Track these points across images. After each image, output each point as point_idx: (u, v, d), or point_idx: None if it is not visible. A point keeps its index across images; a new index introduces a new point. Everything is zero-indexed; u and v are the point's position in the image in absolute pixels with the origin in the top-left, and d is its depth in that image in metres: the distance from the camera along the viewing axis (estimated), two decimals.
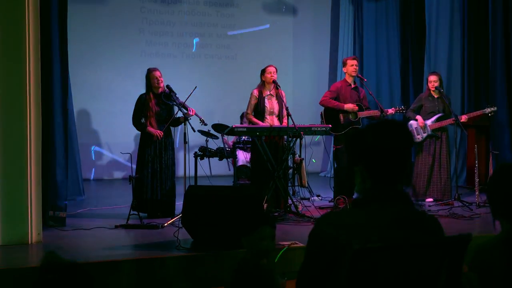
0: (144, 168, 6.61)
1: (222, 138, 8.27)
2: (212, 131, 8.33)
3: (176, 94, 6.69)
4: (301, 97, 10.75)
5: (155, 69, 6.79)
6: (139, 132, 6.81)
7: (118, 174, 10.65)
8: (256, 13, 11.28)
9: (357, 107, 7.35)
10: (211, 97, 10.62)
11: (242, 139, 8.29)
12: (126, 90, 9.68)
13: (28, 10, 5.48)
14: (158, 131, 6.56)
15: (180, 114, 6.75)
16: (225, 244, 5.19)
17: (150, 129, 6.57)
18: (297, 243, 5.35)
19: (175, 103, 6.63)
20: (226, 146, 8.29)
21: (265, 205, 5.38)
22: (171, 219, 6.33)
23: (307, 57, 11.47)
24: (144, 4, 10.63)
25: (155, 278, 4.90)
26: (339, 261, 1.83)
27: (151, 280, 4.89)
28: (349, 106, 7.33)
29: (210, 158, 8.23)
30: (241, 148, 8.28)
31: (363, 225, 1.88)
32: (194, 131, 6.52)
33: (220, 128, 8.12)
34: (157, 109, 6.62)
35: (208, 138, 8.31)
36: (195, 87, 6.55)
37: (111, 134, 10.42)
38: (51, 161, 6.04)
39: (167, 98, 6.64)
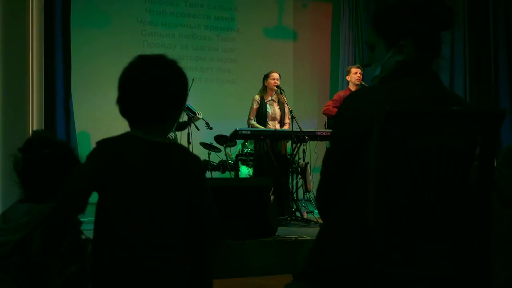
0: None
1: (225, 150, 8.19)
2: (214, 143, 8.24)
3: None
4: (300, 119, 10.71)
5: None
6: None
7: None
8: (257, 37, 11.34)
9: None
10: (212, 121, 10.55)
11: (245, 151, 8.19)
12: None
13: (32, 36, 5.54)
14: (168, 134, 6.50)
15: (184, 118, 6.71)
16: (231, 235, 5.06)
17: None
18: (303, 237, 5.25)
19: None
20: (229, 159, 8.18)
21: (271, 197, 5.27)
22: None
23: (308, 80, 11.50)
24: (145, 27, 10.68)
25: None
26: (368, 136, 1.74)
27: None
28: None
29: (213, 172, 8.12)
30: (244, 161, 8.17)
31: (393, 98, 1.80)
32: (198, 129, 6.45)
33: (223, 139, 8.04)
34: None
35: (210, 151, 8.22)
36: (192, 79, 6.52)
37: None
38: None
39: None
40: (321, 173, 1.89)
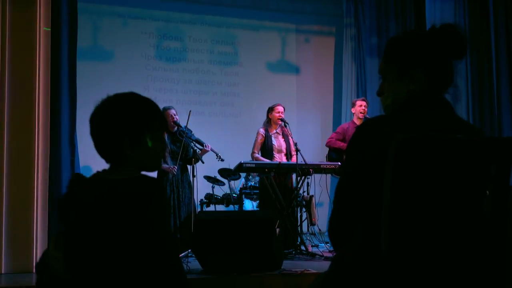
0: None
1: (229, 184, 8.17)
2: (219, 177, 8.23)
3: (191, 131, 6.69)
4: (304, 152, 10.72)
5: (169, 108, 6.81)
6: None
7: None
8: (260, 72, 11.41)
9: None
10: (215, 155, 10.55)
11: (249, 185, 8.18)
12: None
13: (38, 71, 5.59)
14: (172, 166, 6.51)
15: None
16: (237, 269, 5.03)
17: (164, 166, 6.51)
18: (309, 270, 5.20)
19: (190, 139, 6.62)
20: (233, 192, 8.15)
21: (277, 230, 5.24)
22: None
23: (311, 113, 11.54)
24: (149, 61, 10.77)
25: None
26: (381, 165, 1.74)
27: None
28: None
29: (216, 205, 8.10)
30: (248, 194, 8.16)
31: (405, 128, 1.80)
32: (203, 162, 6.45)
33: (227, 172, 8.03)
34: (172, 147, 6.61)
35: (214, 185, 8.20)
36: (190, 111, 6.59)
37: None
38: (57, 194, 5.95)
39: (181, 135, 6.64)
40: (334, 202, 1.88)
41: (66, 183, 6.05)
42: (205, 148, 6.54)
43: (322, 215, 9.31)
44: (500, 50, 8.26)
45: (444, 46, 1.86)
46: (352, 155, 1.85)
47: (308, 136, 11.18)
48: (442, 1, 9.16)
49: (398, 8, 10.28)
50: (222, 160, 6.59)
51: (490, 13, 8.48)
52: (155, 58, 10.84)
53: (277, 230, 5.24)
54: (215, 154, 6.57)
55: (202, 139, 9.71)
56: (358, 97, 10.70)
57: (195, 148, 6.57)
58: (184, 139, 6.60)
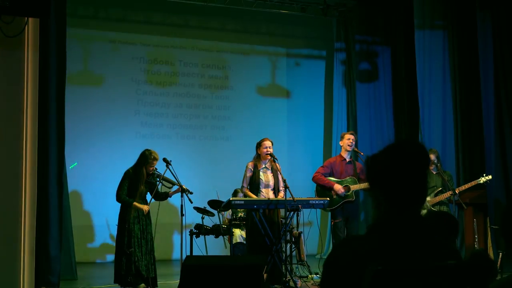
0: (130, 243, 6.49)
1: (219, 215, 8.15)
2: (208, 208, 8.23)
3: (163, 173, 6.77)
4: (295, 176, 10.73)
5: (156, 153, 6.81)
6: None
7: (110, 257, 10.41)
8: (250, 95, 11.43)
9: (343, 190, 7.26)
10: (205, 178, 10.56)
11: (238, 216, 8.18)
12: (120, 171, 9.60)
13: (26, 91, 5.57)
14: (145, 205, 6.56)
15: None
16: None
17: (137, 204, 6.53)
18: None
19: (158, 180, 6.71)
20: (223, 223, 8.13)
21: (264, 275, 5.24)
22: None
23: (302, 137, 11.56)
24: (139, 86, 10.77)
25: None
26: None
27: None
28: (337, 187, 7.25)
29: (206, 236, 8.08)
30: (237, 225, 8.16)
31: (379, 250, 1.81)
32: (192, 202, 6.47)
33: (216, 204, 8.03)
34: (144, 187, 6.70)
35: (204, 215, 8.19)
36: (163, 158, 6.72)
37: (104, 216, 10.27)
38: (44, 234, 5.94)
39: (153, 176, 6.74)
40: None
41: (54, 226, 6.05)
42: (171, 191, 6.68)
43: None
44: (487, 84, 8.33)
45: (404, 162, 1.86)
46: (329, 279, 1.85)
47: (299, 160, 11.22)
48: (431, 30, 9.22)
49: (388, 34, 10.30)
50: (191, 193, 6.62)
51: (478, 44, 8.55)
52: (145, 82, 10.84)
53: (265, 275, 5.24)
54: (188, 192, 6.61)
55: (194, 162, 9.72)
56: (348, 122, 10.75)
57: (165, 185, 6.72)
58: (151, 180, 6.74)
